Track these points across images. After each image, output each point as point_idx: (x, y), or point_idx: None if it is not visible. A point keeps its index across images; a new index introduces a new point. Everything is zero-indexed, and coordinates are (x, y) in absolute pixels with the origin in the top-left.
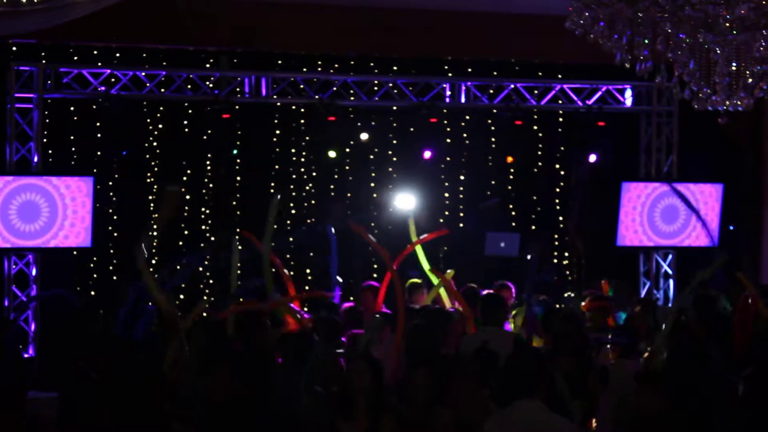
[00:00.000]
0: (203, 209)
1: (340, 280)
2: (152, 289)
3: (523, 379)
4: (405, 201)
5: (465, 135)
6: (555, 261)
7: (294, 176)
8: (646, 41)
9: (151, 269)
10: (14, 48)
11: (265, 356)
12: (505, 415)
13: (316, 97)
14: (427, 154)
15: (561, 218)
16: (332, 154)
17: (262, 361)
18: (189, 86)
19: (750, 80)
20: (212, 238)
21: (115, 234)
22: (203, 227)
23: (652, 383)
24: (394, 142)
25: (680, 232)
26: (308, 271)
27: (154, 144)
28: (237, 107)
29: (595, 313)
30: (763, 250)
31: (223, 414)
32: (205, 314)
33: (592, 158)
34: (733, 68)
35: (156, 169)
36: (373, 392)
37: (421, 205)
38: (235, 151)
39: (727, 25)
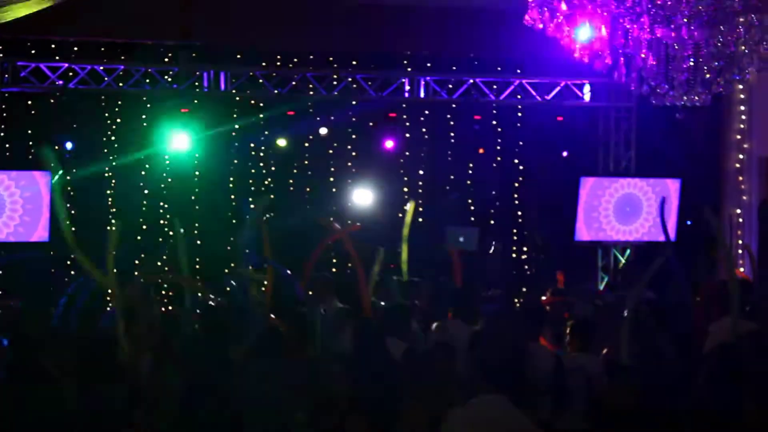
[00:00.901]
0: (161, 203)
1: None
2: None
3: (489, 372)
4: (363, 196)
5: (424, 130)
6: (513, 256)
7: (253, 170)
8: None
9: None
10: None
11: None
12: (468, 408)
13: (275, 91)
14: (389, 144)
15: (519, 213)
16: (282, 142)
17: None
18: (147, 80)
19: (707, 75)
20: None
21: (73, 228)
22: (161, 222)
23: (622, 379)
24: (354, 136)
25: (638, 228)
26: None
27: (113, 138)
28: (195, 101)
29: (555, 307)
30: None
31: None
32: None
33: (551, 153)
34: (691, 64)
35: (114, 163)
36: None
37: (379, 200)
38: (191, 146)
39: (685, 20)
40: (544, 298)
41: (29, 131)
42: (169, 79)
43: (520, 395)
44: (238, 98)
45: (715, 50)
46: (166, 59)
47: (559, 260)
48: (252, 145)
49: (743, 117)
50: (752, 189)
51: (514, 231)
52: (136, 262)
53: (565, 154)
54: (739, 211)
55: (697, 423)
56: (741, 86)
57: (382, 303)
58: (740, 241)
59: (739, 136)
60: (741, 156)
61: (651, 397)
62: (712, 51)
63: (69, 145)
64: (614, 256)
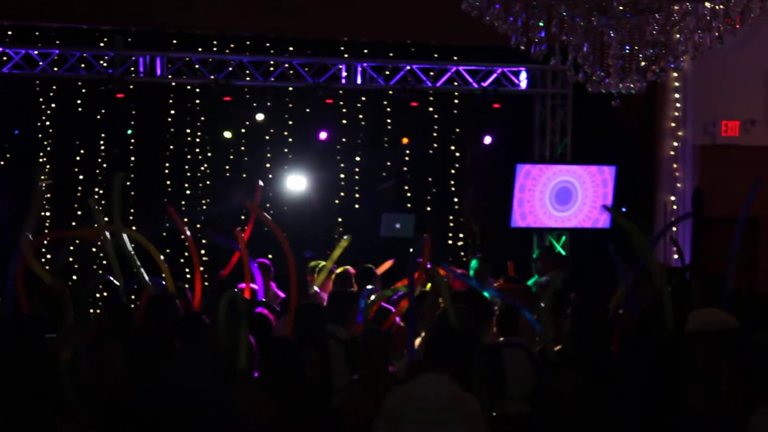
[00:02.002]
0: (96, 189)
1: None
2: (34, 266)
3: (434, 353)
4: (296, 182)
5: (361, 116)
6: (450, 242)
7: (189, 157)
8: (541, 24)
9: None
10: None
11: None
12: (409, 386)
13: (212, 77)
14: (323, 135)
15: (456, 200)
16: (227, 134)
17: (161, 339)
18: (82, 65)
19: (643, 63)
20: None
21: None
22: (96, 207)
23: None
24: (290, 122)
25: (573, 214)
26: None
27: (47, 123)
28: (131, 87)
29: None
30: (655, 232)
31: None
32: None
33: (487, 140)
34: (626, 51)
35: (49, 149)
36: None
37: (314, 187)
38: (129, 131)
39: (621, 8)
40: (496, 284)
41: None
42: (104, 64)
43: (464, 378)
44: (173, 83)
45: (651, 38)
46: (102, 44)
47: (494, 247)
48: (188, 131)
49: (678, 105)
50: (686, 176)
51: (450, 218)
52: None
53: (488, 140)
54: (673, 198)
55: (627, 406)
56: (676, 74)
57: (316, 289)
58: (674, 228)
59: (673, 124)
60: (675, 144)
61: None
62: (647, 38)
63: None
64: (550, 242)
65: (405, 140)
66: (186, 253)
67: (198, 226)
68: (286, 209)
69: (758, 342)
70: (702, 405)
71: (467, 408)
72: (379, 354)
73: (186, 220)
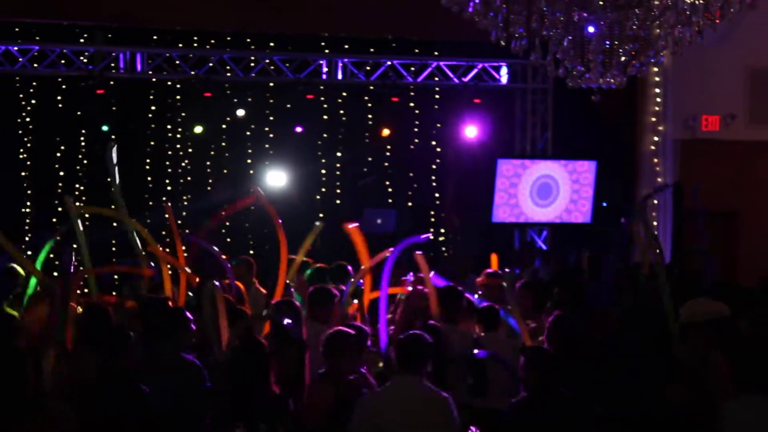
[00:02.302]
0: (77, 185)
1: None
2: (20, 260)
3: (408, 356)
4: (276, 178)
5: (342, 112)
6: (431, 237)
7: (170, 152)
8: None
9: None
10: None
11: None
12: (381, 390)
13: (192, 72)
14: (299, 129)
15: (437, 195)
16: (198, 129)
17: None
18: (63, 61)
19: (623, 58)
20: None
21: None
22: (77, 204)
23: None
24: (271, 118)
25: (554, 209)
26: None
27: (27, 120)
28: (112, 83)
29: (490, 289)
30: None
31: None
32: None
33: (468, 135)
34: (607, 46)
35: (29, 145)
36: None
37: (294, 182)
38: (105, 128)
39: (601, 3)
40: (479, 279)
41: None
42: (85, 60)
43: (438, 377)
44: (154, 79)
45: (631, 33)
46: (82, 40)
47: (476, 242)
48: (169, 126)
49: (658, 100)
50: (667, 171)
51: (431, 213)
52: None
53: (472, 135)
54: None
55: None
56: (656, 69)
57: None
58: (655, 223)
59: (654, 119)
60: (656, 138)
61: (563, 373)
62: (627, 33)
63: None
64: (531, 237)
65: (385, 131)
66: (168, 250)
67: (179, 222)
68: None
69: (741, 330)
70: (681, 400)
71: (443, 409)
72: (344, 352)
73: (167, 216)
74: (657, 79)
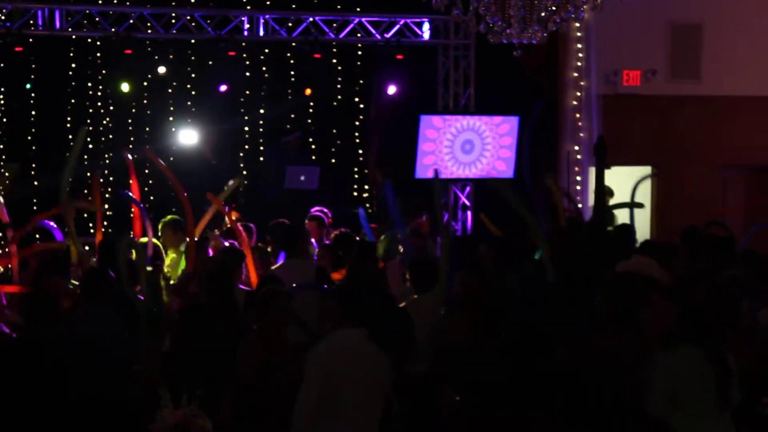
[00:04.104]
0: None
1: None
2: None
3: (350, 309)
4: (188, 136)
5: (264, 68)
6: (355, 194)
7: (91, 110)
8: None
9: None
10: None
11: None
12: (328, 339)
13: (112, 29)
14: (223, 88)
15: (360, 152)
16: (125, 87)
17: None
18: None
19: (543, 14)
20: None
21: None
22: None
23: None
24: (193, 75)
25: (477, 164)
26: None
27: None
28: (30, 40)
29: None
30: (559, 180)
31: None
32: None
33: (391, 91)
34: (527, 1)
35: None
36: None
37: (207, 139)
38: (28, 85)
39: None
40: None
41: None
42: (3, 18)
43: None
44: (74, 36)
45: None
46: None
47: (399, 199)
48: (90, 84)
49: (580, 55)
50: (590, 126)
51: (355, 170)
52: None
53: (392, 91)
54: (576, 147)
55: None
56: (577, 24)
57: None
58: (578, 177)
59: (576, 74)
60: (578, 93)
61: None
62: None
63: None
64: (455, 193)
65: (308, 91)
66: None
67: (101, 180)
68: (173, 161)
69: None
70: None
71: (381, 364)
72: (276, 308)
73: (89, 174)
74: (578, 34)
